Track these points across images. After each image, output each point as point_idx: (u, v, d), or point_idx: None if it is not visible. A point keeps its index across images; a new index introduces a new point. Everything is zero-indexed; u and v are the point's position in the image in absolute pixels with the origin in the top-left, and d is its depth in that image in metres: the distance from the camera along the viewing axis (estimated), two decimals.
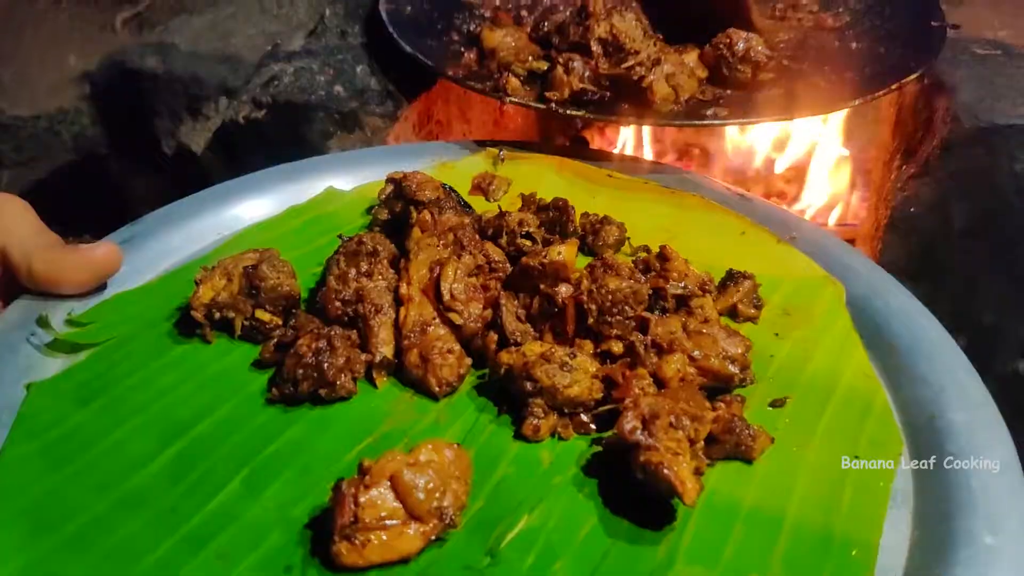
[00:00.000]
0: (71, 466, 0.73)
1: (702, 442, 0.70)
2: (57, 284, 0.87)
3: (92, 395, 0.80)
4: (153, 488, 0.72)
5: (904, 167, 1.42)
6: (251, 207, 1.07)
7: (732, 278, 0.91)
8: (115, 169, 1.74)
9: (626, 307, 0.80)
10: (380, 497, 0.65)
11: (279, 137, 1.39)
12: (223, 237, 1.03)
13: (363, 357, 0.80)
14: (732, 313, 0.90)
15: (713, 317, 0.84)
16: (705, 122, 1.24)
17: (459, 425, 0.77)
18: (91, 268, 0.88)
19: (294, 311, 0.86)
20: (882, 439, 0.76)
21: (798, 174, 1.66)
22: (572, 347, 0.79)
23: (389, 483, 0.65)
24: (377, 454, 0.74)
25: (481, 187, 1.10)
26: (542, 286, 0.82)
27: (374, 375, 0.81)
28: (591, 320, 0.80)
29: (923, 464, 0.74)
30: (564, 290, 0.81)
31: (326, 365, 0.77)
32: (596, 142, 1.86)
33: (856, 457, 0.74)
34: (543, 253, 0.82)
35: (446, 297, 0.81)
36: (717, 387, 0.79)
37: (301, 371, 0.77)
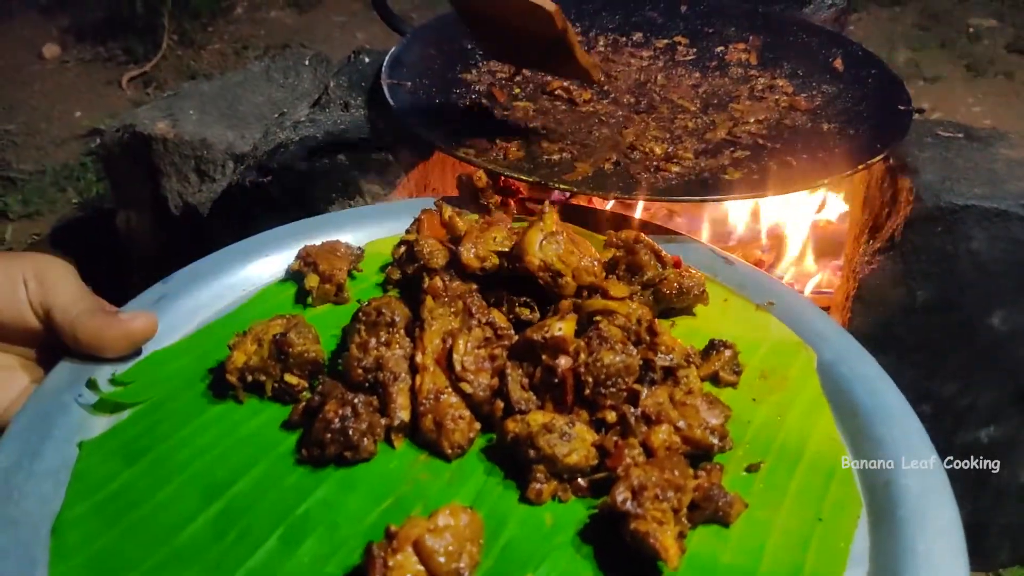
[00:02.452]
0: (123, 523, 0.82)
1: (685, 509, 0.80)
2: (100, 350, 0.95)
3: (138, 453, 0.89)
4: (199, 543, 0.81)
5: (871, 242, 1.48)
6: (269, 264, 1.16)
7: (715, 347, 1.00)
8: (120, 225, 1.80)
9: (619, 379, 0.89)
10: (406, 560, 0.74)
11: (283, 201, 1.46)
12: (247, 294, 1.12)
13: (383, 421, 0.90)
14: (714, 379, 1.00)
15: (696, 387, 0.94)
16: (687, 198, 1.35)
17: (470, 486, 0.87)
18: (130, 337, 0.96)
19: (320, 376, 0.95)
20: (844, 501, 0.87)
21: (776, 243, 1.72)
22: (571, 415, 0.89)
23: (413, 548, 0.75)
24: (398, 513, 0.84)
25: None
26: (544, 357, 0.91)
27: (392, 437, 0.90)
28: (587, 392, 0.89)
29: (878, 526, 0.84)
30: (564, 362, 0.91)
31: (351, 431, 0.87)
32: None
33: (820, 519, 0.85)
34: (545, 328, 0.92)
35: (458, 368, 0.91)
36: (699, 454, 0.89)
37: (329, 435, 0.87)
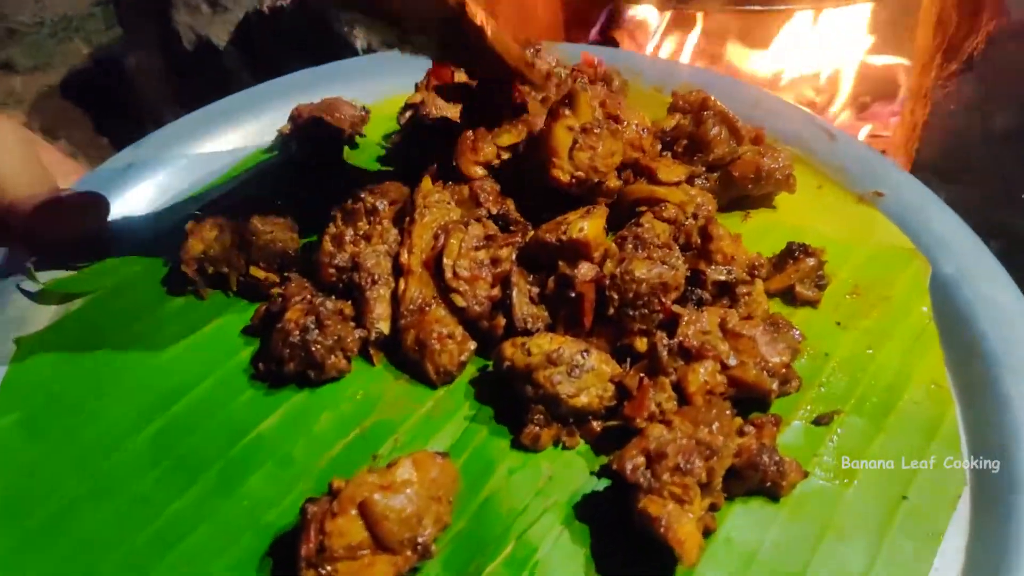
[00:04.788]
0: (50, 438, 0.70)
1: (720, 479, 0.61)
2: (40, 234, 0.81)
3: (80, 354, 0.76)
4: (131, 469, 0.68)
5: (944, 65, 1.34)
6: (257, 126, 0.97)
7: (793, 253, 0.77)
8: (131, 71, 1.66)
9: (653, 298, 0.68)
10: (349, 525, 0.59)
11: (306, 35, 1.25)
12: (228, 163, 0.94)
13: (357, 333, 0.73)
14: (789, 295, 0.77)
15: (759, 310, 0.72)
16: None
17: (453, 424, 0.70)
18: (72, 222, 0.82)
19: (289, 272, 0.78)
20: (941, 479, 0.65)
21: (830, 83, 1.54)
22: (587, 341, 0.69)
23: (359, 510, 0.59)
24: (362, 451, 0.69)
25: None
26: (560, 265, 0.71)
27: (371, 352, 0.74)
28: (612, 310, 0.69)
29: (983, 516, 0.63)
30: (584, 272, 0.70)
31: (314, 345, 0.70)
32: (626, 44, 1.65)
33: (905, 498, 0.64)
34: (563, 226, 0.71)
35: (448, 275, 0.72)
36: (751, 400, 0.68)
37: (288, 350, 0.71)
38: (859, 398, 0.70)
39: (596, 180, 0.75)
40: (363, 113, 0.95)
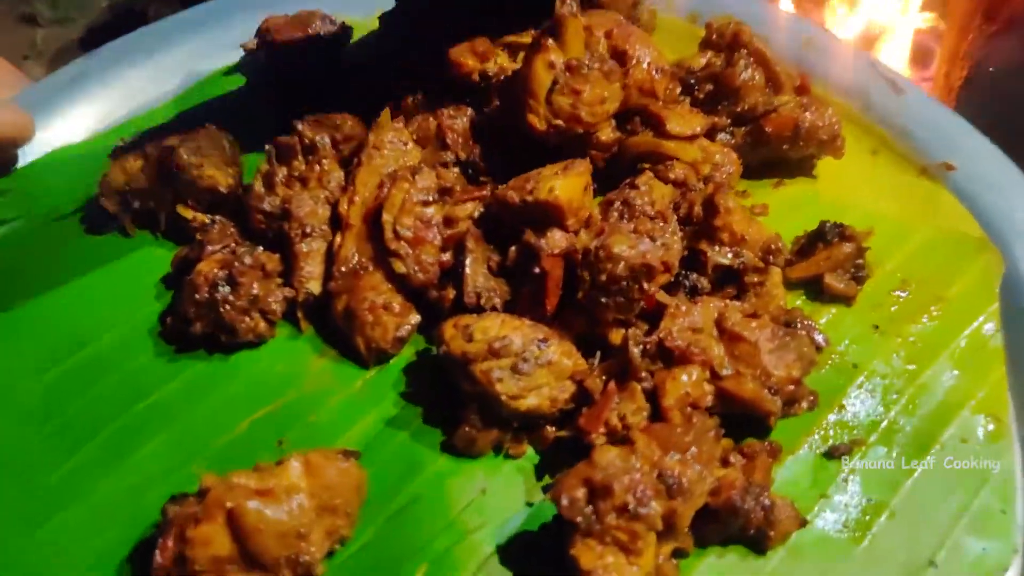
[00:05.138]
0: None
1: (686, 521, 0.47)
2: None
3: None
4: (18, 425, 0.58)
5: (984, 26, 1.22)
6: (223, 40, 0.83)
7: (824, 236, 0.61)
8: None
9: (633, 283, 0.54)
10: (215, 534, 0.48)
11: None
12: (186, 81, 0.82)
13: (283, 293, 0.61)
14: (816, 287, 0.62)
15: (771, 307, 0.57)
16: None
17: (379, 412, 0.57)
18: None
19: (217, 215, 0.67)
20: (984, 547, 0.50)
21: (865, 45, 1.37)
22: (550, 328, 0.56)
23: (226, 520, 0.48)
24: (267, 433, 0.57)
25: None
26: (526, 232, 0.57)
27: (299, 317, 0.62)
28: (581, 293, 0.55)
29: None
30: (553, 241, 0.56)
31: (223, 306, 0.59)
32: None
33: (933, 565, 0.49)
34: (530, 184, 0.57)
35: (388, 234, 0.59)
36: (747, 420, 0.54)
37: (194, 309, 0.59)
38: (890, 427, 0.55)
39: (580, 130, 0.60)
40: (342, 28, 0.82)
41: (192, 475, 0.54)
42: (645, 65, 0.66)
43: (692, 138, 0.65)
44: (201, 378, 0.60)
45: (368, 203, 0.61)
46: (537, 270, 0.56)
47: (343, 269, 0.59)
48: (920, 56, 1.47)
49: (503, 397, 0.52)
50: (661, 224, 0.56)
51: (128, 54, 0.83)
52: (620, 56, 0.65)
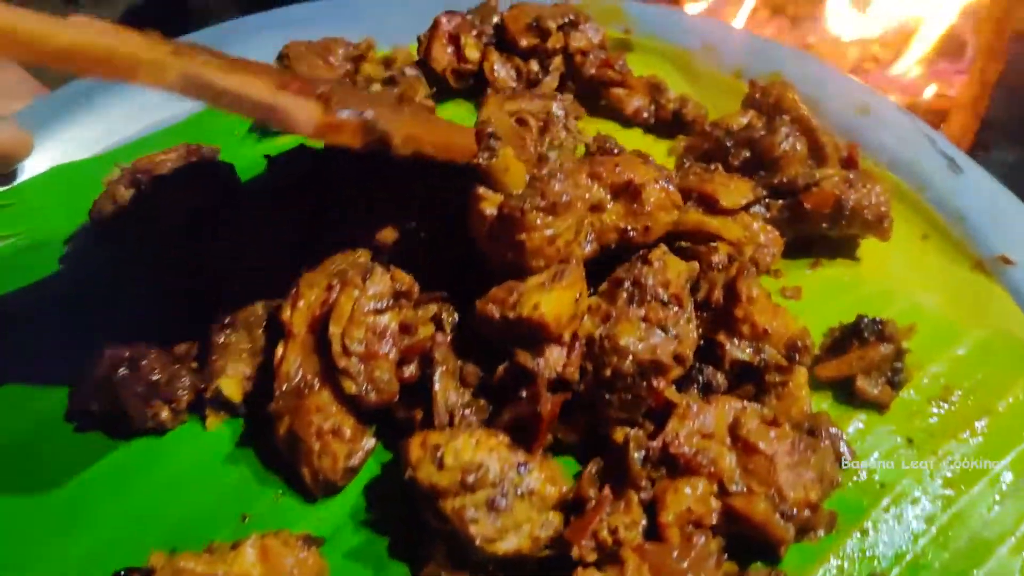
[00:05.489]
0: None
1: None
2: None
3: None
4: None
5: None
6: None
7: (860, 333, 0.55)
8: (196, 7, 1.53)
9: (641, 381, 0.49)
10: None
11: None
12: (194, 108, 0.78)
13: (189, 381, 0.55)
14: (846, 390, 0.56)
15: (794, 412, 0.51)
16: None
17: (332, 548, 0.50)
18: None
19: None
20: None
21: (897, 39, 1.40)
22: (531, 454, 0.48)
23: None
24: (240, 501, 0.53)
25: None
26: (519, 353, 0.50)
27: (207, 413, 0.55)
28: (582, 387, 0.50)
29: None
30: (549, 362, 0.50)
31: (121, 389, 0.53)
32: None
33: None
34: (513, 297, 0.50)
35: (336, 349, 0.52)
36: (755, 545, 0.48)
37: (92, 388, 0.54)
38: (915, 561, 0.49)
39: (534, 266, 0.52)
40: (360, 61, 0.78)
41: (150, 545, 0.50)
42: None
43: (734, 213, 0.59)
44: (171, 437, 0.56)
45: (314, 309, 0.54)
46: (527, 395, 0.50)
47: (285, 387, 0.52)
48: (953, 48, 1.42)
49: (477, 541, 0.46)
50: (675, 310, 0.51)
51: None
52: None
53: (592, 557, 0.46)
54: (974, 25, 1.41)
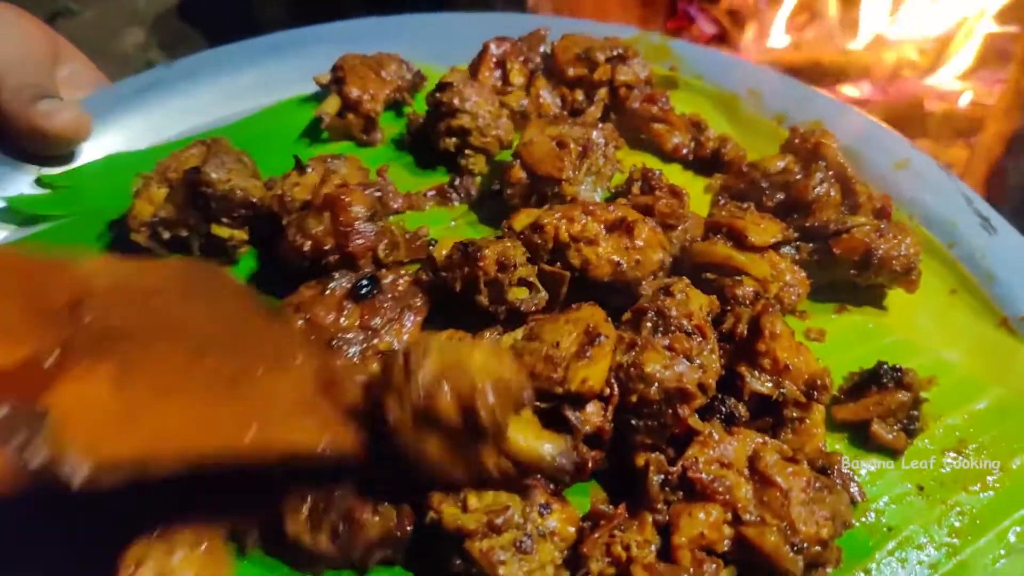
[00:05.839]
0: None
1: None
2: (16, 140, 0.72)
3: None
4: None
5: None
6: (300, 69, 0.81)
7: (879, 379, 0.57)
8: None
9: (667, 408, 0.50)
10: None
11: None
12: (256, 105, 0.81)
13: None
14: (861, 433, 0.57)
15: (808, 447, 0.53)
16: None
17: None
18: (47, 137, 0.72)
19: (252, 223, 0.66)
20: None
21: (936, 46, 1.43)
22: (547, 497, 0.50)
23: None
24: None
25: None
26: (564, 406, 0.52)
27: None
28: (608, 412, 0.51)
29: None
30: (588, 418, 0.51)
31: None
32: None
33: None
34: (558, 375, 0.51)
35: None
36: (764, 572, 0.49)
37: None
38: None
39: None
40: (417, 76, 0.81)
41: None
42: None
43: (763, 250, 0.61)
44: None
45: None
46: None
47: None
48: (992, 57, 1.42)
49: None
50: (699, 341, 0.52)
51: (200, 71, 0.84)
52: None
53: (606, 571, 0.47)
54: (1015, 34, 1.41)
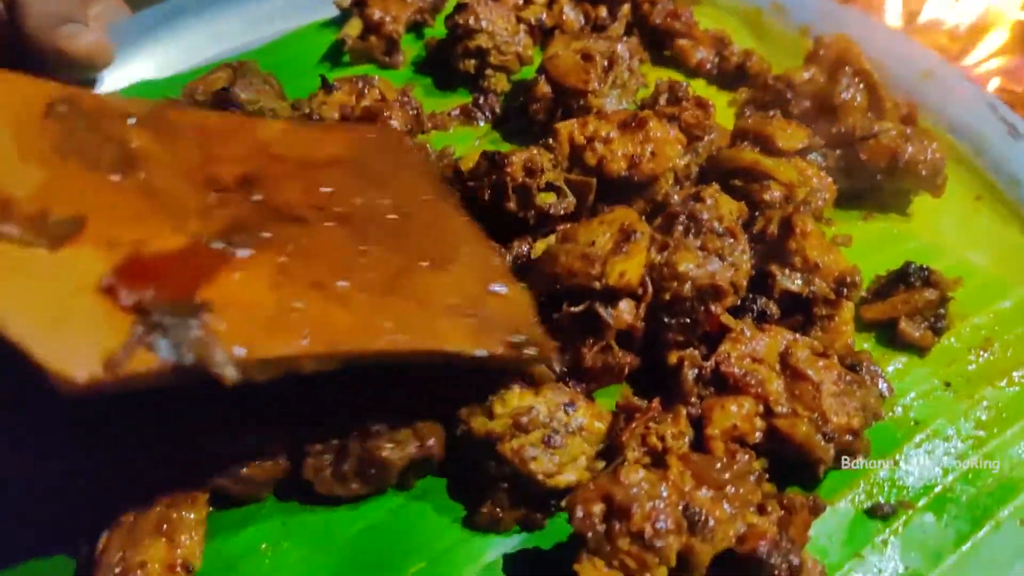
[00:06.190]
0: None
1: (704, 565, 0.45)
2: (43, 62, 0.73)
3: None
4: None
5: None
6: None
7: (907, 278, 0.57)
8: None
9: (699, 304, 0.51)
10: None
11: None
12: (278, 31, 0.82)
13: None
14: (888, 331, 0.58)
15: (838, 344, 0.53)
16: None
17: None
18: (69, 59, 0.73)
19: None
20: None
21: (970, 32, 1.30)
22: (573, 392, 0.52)
23: None
24: None
25: None
26: (595, 304, 0.52)
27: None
28: (640, 314, 0.52)
29: None
30: (621, 315, 0.52)
31: None
32: None
33: None
34: (595, 269, 0.52)
35: None
36: (794, 464, 0.50)
37: None
38: (943, 494, 0.52)
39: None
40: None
41: None
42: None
43: (790, 156, 0.61)
44: None
45: None
46: (597, 346, 0.52)
47: None
48: (1022, 45, 1.33)
49: (539, 477, 0.48)
50: (730, 241, 0.53)
51: None
52: None
53: (642, 460, 0.48)
54: None
